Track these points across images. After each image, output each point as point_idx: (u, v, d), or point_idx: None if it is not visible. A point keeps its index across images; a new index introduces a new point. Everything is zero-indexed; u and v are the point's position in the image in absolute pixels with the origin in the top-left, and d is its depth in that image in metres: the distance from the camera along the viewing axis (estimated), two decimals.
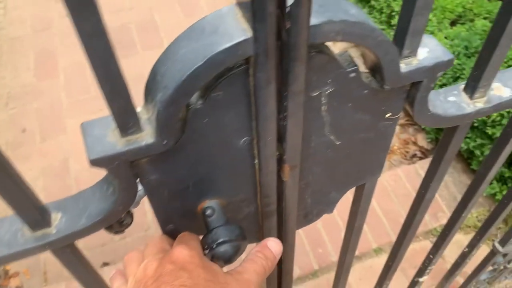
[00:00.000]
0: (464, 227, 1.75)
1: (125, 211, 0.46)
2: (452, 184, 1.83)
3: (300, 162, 0.50)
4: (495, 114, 1.62)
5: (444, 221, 1.75)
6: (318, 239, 1.71)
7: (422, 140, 2.09)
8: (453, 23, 1.94)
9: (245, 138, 0.46)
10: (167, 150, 0.41)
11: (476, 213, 1.76)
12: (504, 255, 1.23)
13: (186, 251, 0.44)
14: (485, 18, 1.90)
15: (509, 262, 1.30)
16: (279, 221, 0.60)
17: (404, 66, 0.44)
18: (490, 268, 1.31)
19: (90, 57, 0.32)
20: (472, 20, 1.93)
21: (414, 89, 0.47)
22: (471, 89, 0.54)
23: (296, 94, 0.40)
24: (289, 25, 0.34)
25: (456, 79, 1.74)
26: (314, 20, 0.36)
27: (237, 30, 0.35)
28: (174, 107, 0.37)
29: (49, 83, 2.49)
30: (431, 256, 1.01)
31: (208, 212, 0.49)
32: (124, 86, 0.35)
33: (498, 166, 0.70)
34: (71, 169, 2.12)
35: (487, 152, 1.61)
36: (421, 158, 2.05)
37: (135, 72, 2.50)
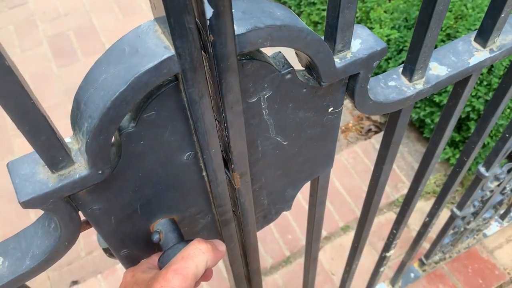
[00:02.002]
0: (424, 194, 1.80)
1: (71, 246, 0.44)
2: (408, 154, 1.88)
3: (249, 168, 0.49)
4: None
5: (404, 191, 1.80)
6: (286, 226, 1.72)
7: None
8: None
9: (188, 153, 0.44)
10: (106, 178, 0.39)
11: (434, 178, 1.82)
12: (463, 217, 1.27)
13: (128, 272, 0.48)
14: None
15: (468, 223, 1.36)
16: (239, 227, 0.59)
17: (339, 60, 0.44)
18: (452, 231, 1.36)
19: (1, 97, 0.30)
20: None
21: (352, 81, 0.47)
22: (409, 71, 0.54)
23: (233, 104, 0.39)
24: (213, 38, 0.33)
25: (399, 51, 1.78)
26: (239, 29, 0.35)
27: (159, 48, 0.33)
28: (103, 136, 0.35)
29: None
30: (394, 231, 1.04)
31: (155, 237, 0.48)
32: (44, 122, 0.33)
33: (448, 133, 0.72)
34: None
35: (437, 119, 1.66)
36: (376, 132, 2.09)
37: (78, 81, 2.41)
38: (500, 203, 1.42)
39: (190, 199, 0.50)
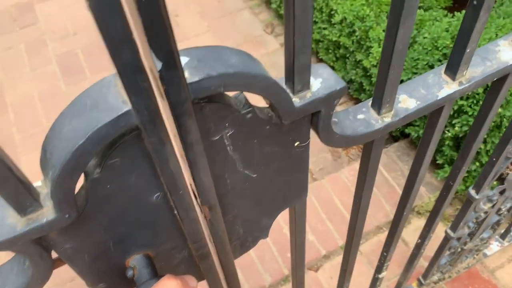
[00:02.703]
0: (424, 212, 1.80)
1: (45, 283, 0.46)
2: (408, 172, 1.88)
3: (219, 200, 0.51)
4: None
5: None
6: (285, 244, 1.73)
7: None
8: None
9: (157, 194, 0.46)
10: (74, 221, 0.41)
11: (433, 196, 1.81)
12: (458, 238, 1.27)
13: None
14: (419, 8, 1.96)
15: (465, 244, 1.35)
16: (217, 257, 0.60)
17: (298, 100, 0.45)
18: (448, 252, 1.36)
19: None
20: None
21: (316, 117, 0.49)
22: (377, 105, 0.56)
23: (193, 145, 0.41)
24: (165, 87, 0.35)
25: None
26: (192, 78, 0.37)
27: (118, 102, 0.36)
28: (66, 184, 0.37)
29: None
30: (384, 253, 1.04)
31: (129, 273, 0.49)
32: (10, 173, 0.35)
33: (428, 159, 0.73)
34: None
35: None
36: None
37: None
38: (498, 223, 1.41)
39: (164, 236, 0.52)
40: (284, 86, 0.46)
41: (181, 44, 2.72)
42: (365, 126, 0.56)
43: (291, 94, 0.45)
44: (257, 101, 0.45)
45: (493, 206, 1.18)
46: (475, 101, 1.49)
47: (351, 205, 1.77)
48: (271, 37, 2.70)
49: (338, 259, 1.70)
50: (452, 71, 0.59)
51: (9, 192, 0.36)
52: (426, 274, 1.45)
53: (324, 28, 2.16)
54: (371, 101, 0.57)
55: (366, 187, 0.69)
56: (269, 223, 0.62)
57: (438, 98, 0.58)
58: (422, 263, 1.61)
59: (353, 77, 2.10)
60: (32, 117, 2.40)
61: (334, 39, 2.10)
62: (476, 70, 0.60)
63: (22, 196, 0.37)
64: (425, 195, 1.82)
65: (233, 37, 2.72)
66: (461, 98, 1.52)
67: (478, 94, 1.49)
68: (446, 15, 1.79)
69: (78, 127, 0.36)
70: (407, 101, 0.58)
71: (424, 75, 0.61)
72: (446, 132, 1.61)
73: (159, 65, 0.33)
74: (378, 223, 1.77)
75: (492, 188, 1.08)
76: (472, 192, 1.04)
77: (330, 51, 2.23)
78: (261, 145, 0.49)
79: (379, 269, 1.12)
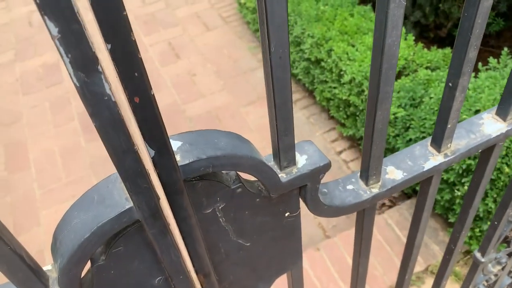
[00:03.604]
0: None
1: None
2: None
3: (213, 268, 0.54)
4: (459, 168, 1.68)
5: (416, 268, 1.77)
6: None
7: None
8: (398, 76, 2.05)
9: (159, 278, 0.49)
10: None
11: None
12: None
13: None
14: (426, 68, 2.02)
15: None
16: None
17: (285, 175, 0.49)
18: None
19: None
20: (415, 71, 2.05)
21: (303, 190, 0.52)
22: (365, 177, 0.59)
23: (186, 219, 0.45)
24: (158, 171, 0.39)
25: (407, 129, 1.83)
26: (183, 161, 0.41)
27: (121, 199, 0.40)
28: (72, 272, 0.41)
29: (20, 175, 2.51)
30: None
31: None
32: (20, 262, 0.38)
33: (424, 225, 0.75)
34: (47, 260, 2.11)
35: (446, 196, 1.67)
36: (390, 207, 2.09)
37: (104, 152, 2.52)
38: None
39: None
40: (272, 163, 0.50)
41: (198, 101, 2.83)
42: (353, 196, 0.59)
43: (278, 170, 0.49)
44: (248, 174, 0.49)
45: (503, 269, 1.16)
46: None
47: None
48: None
49: None
50: (437, 143, 0.62)
51: (21, 280, 0.40)
52: None
53: (334, 87, 2.23)
54: (359, 173, 0.61)
55: (362, 255, 0.71)
56: (266, 287, 0.65)
57: (424, 169, 0.61)
58: None
59: (363, 134, 2.14)
60: (52, 173, 2.49)
61: (344, 97, 2.16)
62: (461, 142, 0.63)
63: (33, 283, 0.41)
64: (439, 254, 1.79)
65: (247, 94, 2.81)
66: (469, 158, 1.54)
67: None
68: None
69: (85, 221, 0.40)
70: (394, 173, 0.61)
71: (411, 147, 0.64)
72: (456, 191, 1.61)
73: (152, 152, 0.38)
74: (391, 282, 1.74)
75: (499, 250, 1.07)
76: (478, 255, 1.03)
77: (340, 109, 2.29)
78: (253, 216, 0.52)
79: None
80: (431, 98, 1.75)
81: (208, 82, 2.96)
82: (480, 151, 0.65)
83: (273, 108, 0.44)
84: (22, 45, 3.50)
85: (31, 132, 2.77)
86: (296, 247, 0.62)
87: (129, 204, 0.39)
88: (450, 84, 0.55)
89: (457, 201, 1.64)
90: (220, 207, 0.49)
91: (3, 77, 3.22)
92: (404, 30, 2.28)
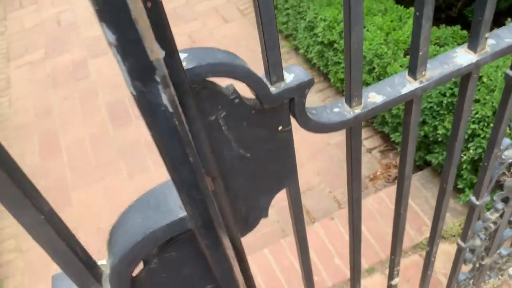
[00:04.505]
0: (449, 237, 1.83)
1: None
2: (432, 198, 1.94)
3: (219, 174, 0.64)
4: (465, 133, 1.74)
5: (428, 234, 1.84)
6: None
7: None
8: (407, 53, 2.12)
9: (209, 287, 0.52)
10: None
11: (458, 221, 1.85)
12: (472, 250, 1.32)
13: None
14: (434, 44, 2.08)
15: (482, 259, 1.39)
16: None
17: (275, 89, 0.60)
18: (467, 268, 1.40)
19: (38, 242, 0.39)
20: None
21: (292, 105, 0.63)
22: (349, 100, 0.69)
23: (193, 119, 0.56)
24: (168, 71, 0.50)
25: None
26: (188, 65, 0.52)
27: (176, 206, 0.44)
28: (123, 273, 0.44)
29: (53, 162, 2.68)
30: (392, 257, 1.12)
31: None
32: (79, 263, 0.41)
33: (412, 149, 0.83)
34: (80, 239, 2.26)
35: None
36: None
37: (131, 139, 2.69)
38: None
39: None
40: (264, 79, 0.60)
41: None
42: (339, 116, 0.69)
43: (269, 85, 0.60)
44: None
45: (501, 216, 1.23)
46: (486, 124, 1.57)
47: (375, 231, 1.88)
48: None
49: (363, 282, 1.75)
50: (413, 72, 0.71)
51: (75, 273, 0.43)
52: None
53: None
54: (344, 98, 0.71)
55: (354, 164, 0.80)
56: (267, 202, 0.75)
57: (402, 93, 0.71)
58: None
59: None
60: (83, 158, 2.65)
61: None
62: (435, 72, 0.72)
63: (86, 277, 0.44)
64: (450, 220, 1.86)
65: None
66: (473, 122, 1.61)
67: (488, 117, 1.57)
68: None
69: (139, 224, 0.43)
70: (376, 97, 0.71)
71: (391, 77, 0.74)
72: (463, 156, 1.68)
73: (162, 53, 0.49)
74: (404, 247, 1.82)
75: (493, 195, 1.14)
76: (473, 198, 1.11)
77: None
78: (250, 127, 0.63)
79: (390, 276, 1.19)
80: None
81: None
82: (453, 80, 0.74)
83: (261, 25, 0.54)
84: (52, 43, 3.70)
85: (62, 123, 2.95)
86: (289, 163, 0.72)
87: (183, 213, 0.41)
88: (417, 14, 0.64)
89: (465, 166, 1.70)
90: (222, 115, 0.60)
91: (35, 74, 3.42)
92: None
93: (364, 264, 1.80)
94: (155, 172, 2.44)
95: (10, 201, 0.38)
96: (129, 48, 0.29)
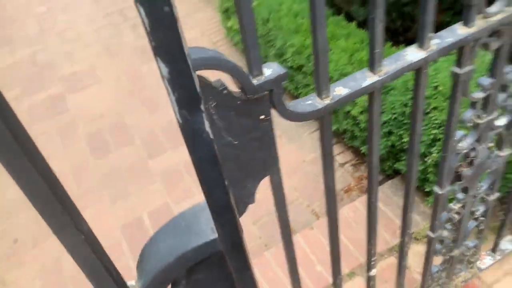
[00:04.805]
0: (421, 238, 1.95)
1: None
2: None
3: None
4: (427, 138, 1.87)
5: None
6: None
7: None
8: None
9: None
10: None
11: (428, 223, 1.97)
12: (440, 241, 1.43)
13: None
14: None
15: (451, 250, 1.50)
16: None
17: (256, 81, 0.71)
18: (439, 259, 1.50)
19: (77, 262, 0.45)
20: None
21: (271, 96, 0.74)
22: (319, 93, 0.81)
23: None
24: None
25: (380, 113, 2.04)
26: None
27: (207, 228, 0.47)
28: None
29: None
30: (370, 248, 1.22)
31: None
32: (108, 277, 0.43)
33: (377, 130, 0.94)
34: (68, 267, 2.28)
35: (419, 167, 1.87)
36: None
37: (109, 171, 2.73)
38: (481, 231, 1.57)
39: None
40: (247, 73, 0.71)
41: None
42: (311, 107, 0.80)
43: (251, 78, 0.71)
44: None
45: (463, 207, 1.36)
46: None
47: (353, 237, 2.01)
48: None
49: (345, 286, 1.84)
50: (372, 67, 0.84)
51: None
52: (423, 285, 1.58)
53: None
54: (316, 92, 0.82)
55: (327, 155, 0.90)
56: (253, 189, 0.84)
57: (363, 86, 0.83)
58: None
59: (345, 127, 2.36)
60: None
61: None
62: (390, 67, 0.85)
63: None
64: (420, 223, 1.98)
65: None
66: (434, 128, 1.76)
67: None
68: None
69: (170, 246, 0.45)
70: (341, 90, 0.83)
71: (354, 74, 0.86)
72: (427, 160, 1.82)
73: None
74: (380, 250, 1.92)
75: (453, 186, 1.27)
76: (437, 188, 1.23)
77: None
78: (237, 116, 0.73)
79: (369, 267, 1.29)
80: (398, 81, 1.98)
81: None
82: (405, 74, 0.87)
83: (243, 28, 0.66)
84: (28, 82, 3.75)
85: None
86: (271, 152, 0.82)
87: (214, 235, 0.42)
88: (372, 16, 0.77)
89: (430, 169, 1.84)
90: (213, 105, 0.70)
91: None
92: None
93: (345, 269, 1.88)
94: (137, 198, 2.49)
95: (51, 215, 0.39)
96: (179, 79, 0.29)
